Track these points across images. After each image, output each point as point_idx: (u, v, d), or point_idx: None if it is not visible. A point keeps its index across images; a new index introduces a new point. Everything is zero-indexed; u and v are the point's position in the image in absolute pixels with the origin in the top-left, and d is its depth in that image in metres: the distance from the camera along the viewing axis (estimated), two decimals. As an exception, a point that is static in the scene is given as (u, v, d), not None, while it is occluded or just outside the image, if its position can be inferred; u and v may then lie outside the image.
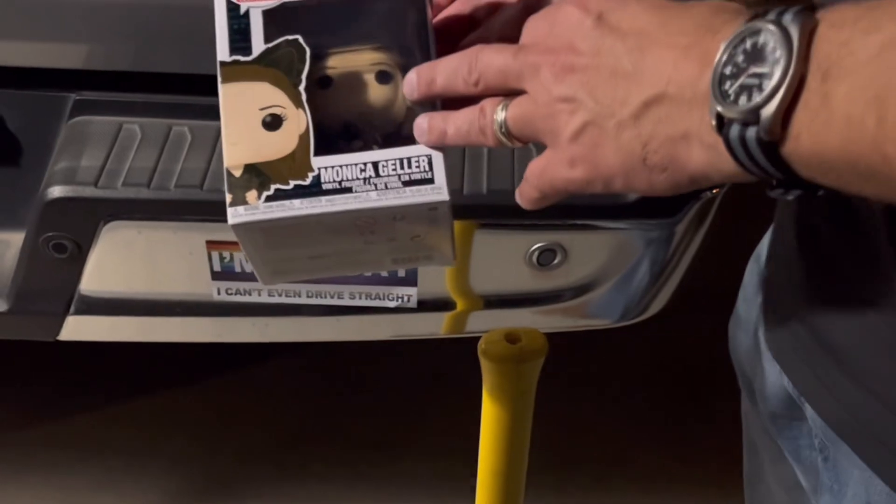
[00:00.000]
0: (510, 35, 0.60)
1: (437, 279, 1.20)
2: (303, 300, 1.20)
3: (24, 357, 1.71)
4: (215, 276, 1.18)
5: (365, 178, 0.55)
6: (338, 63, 0.58)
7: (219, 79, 0.58)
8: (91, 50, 1.18)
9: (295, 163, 0.55)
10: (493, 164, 1.16)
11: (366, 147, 0.56)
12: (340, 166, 0.55)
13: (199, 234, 1.14)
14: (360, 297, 1.20)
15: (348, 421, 1.73)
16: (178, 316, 1.23)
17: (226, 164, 0.56)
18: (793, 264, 0.69)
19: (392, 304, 1.21)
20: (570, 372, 1.72)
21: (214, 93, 1.21)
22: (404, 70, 0.57)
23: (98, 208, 1.12)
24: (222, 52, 0.58)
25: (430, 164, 0.56)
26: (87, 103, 1.19)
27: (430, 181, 0.55)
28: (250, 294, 1.19)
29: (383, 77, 0.58)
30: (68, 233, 1.14)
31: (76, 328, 1.22)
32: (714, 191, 1.17)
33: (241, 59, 0.58)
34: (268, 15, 0.59)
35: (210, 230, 1.13)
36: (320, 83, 0.57)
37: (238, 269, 1.17)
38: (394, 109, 0.57)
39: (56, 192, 1.12)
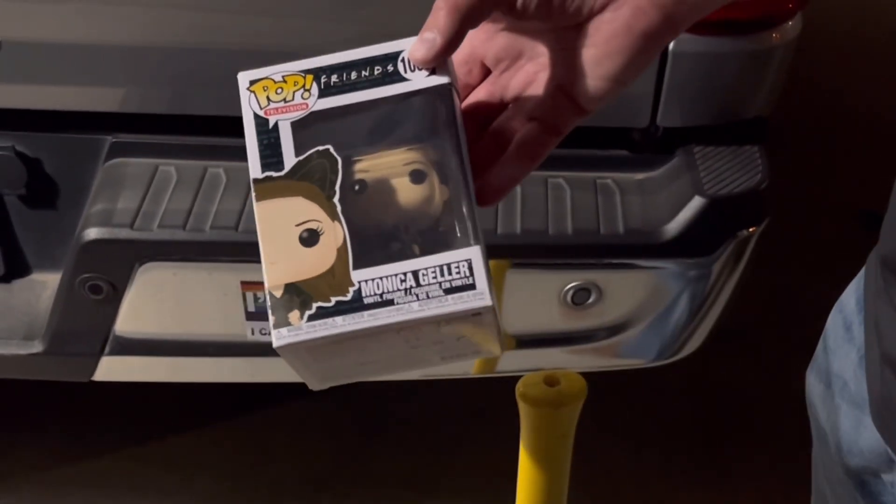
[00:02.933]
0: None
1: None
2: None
3: (55, 396, 1.72)
4: (249, 316, 1.18)
5: (406, 289, 0.55)
6: (370, 167, 0.57)
7: (253, 197, 0.57)
8: (127, 93, 1.19)
9: (335, 278, 0.55)
10: (526, 203, 1.16)
11: (405, 251, 0.56)
12: (380, 278, 0.55)
13: (233, 275, 1.14)
14: (393, 337, 1.20)
15: (379, 460, 1.72)
16: (212, 356, 1.23)
17: (267, 284, 0.55)
18: None
19: (425, 344, 1.20)
20: (606, 412, 1.71)
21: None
22: (438, 167, 0.57)
23: (134, 250, 1.13)
24: (254, 169, 0.58)
25: (470, 269, 0.55)
26: (123, 145, 1.20)
27: (472, 287, 0.54)
28: (284, 334, 1.19)
29: (417, 176, 0.57)
30: (104, 274, 1.14)
31: (110, 369, 1.23)
32: (751, 229, 1.16)
33: (274, 174, 0.57)
34: (297, 126, 0.58)
35: (244, 271, 1.14)
36: (355, 189, 0.57)
37: (272, 310, 1.17)
38: (431, 208, 0.56)
39: (92, 233, 1.13)
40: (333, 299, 0.54)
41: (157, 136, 1.20)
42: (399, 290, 0.55)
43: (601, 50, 0.59)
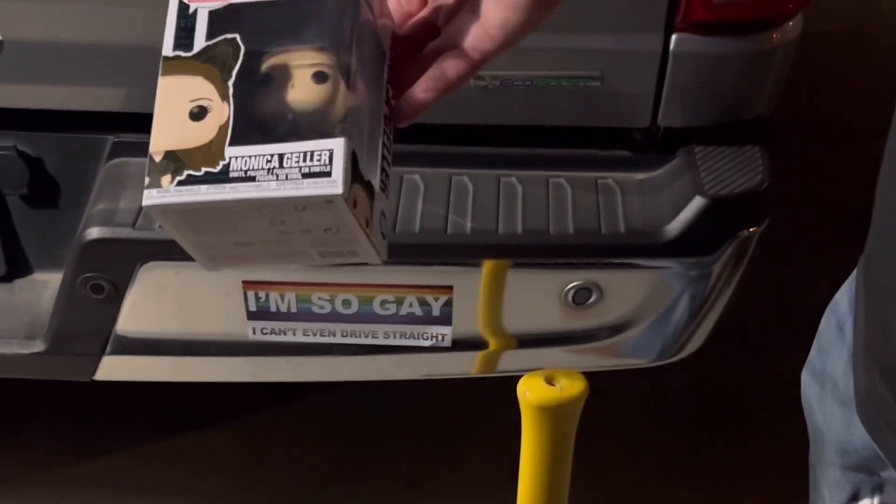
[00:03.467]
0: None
1: (471, 318, 1.19)
2: (337, 339, 1.20)
3: (56, 396, 1.72)
4: (251, 315, 1.18)
5: (269, 169, 0.57)
6: (277, 61, 0.60)
7: (160, 71, 0.61)
8: (128, 93, 1.19)
9: (210, 151, 0.58)
10: (527, 203, 1.16)
11: (281, 136, 0.59)
12: (249, 156, 0.58)
13: (235, 275, 1.14)
14: (394, 337, 1.20)
15: (380, 460, 1.72)
16: (213, 355, 1.23)
17: (150, 149, 0.59)
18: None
19: (426, 344, 1.20)
20: (607, 412, 1.71)
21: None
22: (342, 71, 0.59)
23: (135, 249, 1.13)
24: (167, 47, 0.62)
25: (330, 157, 0.57)
26: (125, 145, 1.20)
27: (328, 174, 0.57)
28: (285, 333, 1.19)
29: (320, 77, 0.59)
30: (106, 273, 1.14)
31: (112, 368, 1.23)
32: (751, 229, 1.16)
33: (182, 54, 0.61)
34: (213, 15, 0.62)
35: (246, 270, 1.14)
36: (258, 80, 0.60)
37: (274, 309, 1.17)
38: (331, 110, 0.59)
39: (94, 233, 1.13)
40: (203, 169, 0.57)
41: (159, 135, 1.20)
42: (263, 168, 0.57)
43: None
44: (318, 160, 0.57)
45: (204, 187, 0.57)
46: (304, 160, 0.58)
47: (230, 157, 0.58)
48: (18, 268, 1.26)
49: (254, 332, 1.19)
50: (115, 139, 1.20)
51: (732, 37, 1.12)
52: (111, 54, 1.15)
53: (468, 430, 1.76)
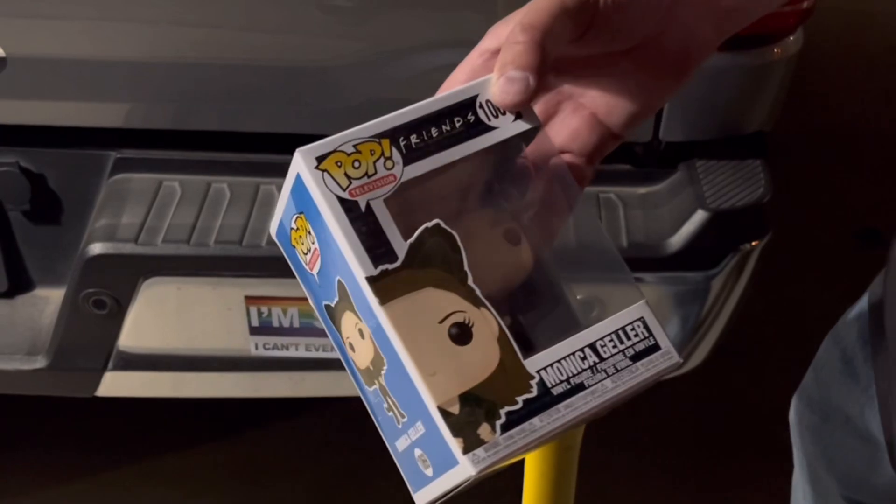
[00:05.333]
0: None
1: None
2: (339, 355, 1.20)
3: (53, 414, 1.72)
4: (253, 331, 1.18)
5: (591, 367, 0.48)
6: (473, 230, 0.49)
7: (373, 302, 0.46)
8: (131, 109, 1.19)
9: (509, 375, 0.47)
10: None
11: (565, 320, 0.50)
12: (559, 362, 0.47)
13: (237, 290, 1.14)
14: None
15: (380, 476, 1.71)
16: (215, 371, 1.23)
17: (435, 403, 0.46)
18: None
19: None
20: (610, 427, 1.71)
21: (252, 150, 1.22)
22: (521, 221, 0.51)
23: (138, 265, 1.13)
24: (364, 265, 0.46)
25: (646, 327, 0.50)
26: (127, 161, 1.20)
27: (657, 347, 0.50)
28: (287, 349, 1.19)
29: (511, 236, 0.51)
30: (108, 289, 1.14)
31: (114, 384, 1.23)
32: (753, 243, 1.16)
33: (389, 267, 0.47)
34: (392, 203, 0.48)
35: (249, 286, 1.14)
36: (485, 264, 0.49)
37: (276, 324, 1.17)
38: (531, 268, 0.51)
39: (96, 248, 1.13)
40: (519, 399, 0.46)
41: (161, 151, 1.20)
42: (584, 370, 0.48)
43: (657, 72, 0.55)
44: (636, 335, 0.50)
45: (536, 420, 0.46)
46: (622, 341, 0.49)
47: (538, 373, 0.47)
48: (20, 284, 1.26)
49: (256, 348, 1.19)
50: (118, 155, 1.21)
51: (734, 51, 1.13)
52: (113, 70, 1.15)
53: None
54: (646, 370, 0.49)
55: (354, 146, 0.49)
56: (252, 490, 1.68)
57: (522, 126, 0.51)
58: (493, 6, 1.07)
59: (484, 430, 0.45)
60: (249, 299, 1.15)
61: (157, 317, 1.18)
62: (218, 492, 1.68)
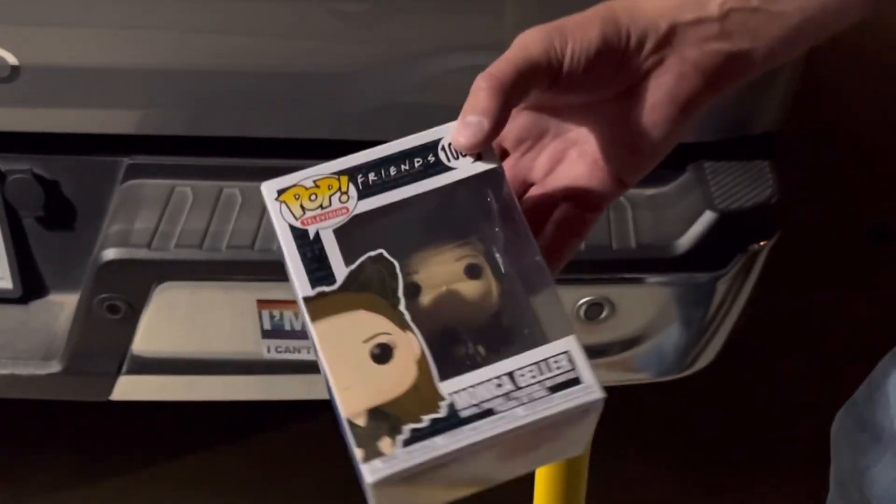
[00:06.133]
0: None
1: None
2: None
3: (67, 418, 1.73)
4: (266, 334, 1.19)
5: (505, 395, 0.49)
6: (422, 266, 0.52)
7: (306, 318, 0.52)
8: (143, 115, 1.20)
9: (421, 395, 0.49)
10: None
11: (491, 354, 0.51)
12: (473, 387, 0.49)
13: (249, 294, 1.15)
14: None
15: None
16: (229, 374, 1.24)
17: (343, 414, 0.50)
18: None
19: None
20: (619, 427, 1.71)
21: (263, 155, 1.22)
22: (489, 258, 0.52)
23: (151, 270, 1.14)
24: (302, 286, 0.52)
25: (570, 360, 0.50)
26: (139, 167, 1.21)
27: (577, 381, 0.50)
28: (300, 352, 1.20)
29: (472, 271, 0.53)
30: (122, 294, 1.15)
31: (128, 388, 1.24)
32: (762, 243, 1.17)
33: (326, 289, 0.52)
34: (340, 233, 0.53)
35: (261, 289, 1.14)
36: (414, 294, 0.52)
37: (288, 328, 1.18)
38: (489, 303, 0.52)
39: (110, 254, 1.14)
40: (426, 418, 0.49)
41: (173, 157, 1.21)
42: (497, 396, 0.49)
43: (645, 120, 0.55)
44: (558, 367, 0.50)
45: (438, 439, 0.48)
46: (541, 372, 0.50)
47: (450, 395, 0.49)
48: (35, 289, 1.27)
49: (268, 351, 1.20)
50: (130, 161, 1.21)
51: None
52: (125, 78, 1.16)
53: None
54: (563, 402, 0.50)
55: (314, 181, 0.54)
56: (267, 489, 1.69)
57: (481, 167, 0.54)
58: (502, 9, 1.08)
59: (384, 444, 0.48)
60: (261, 303, 1.15)
61: (171, 321, 1.18)
62: (231, 492, 1.68)
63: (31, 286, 1.27)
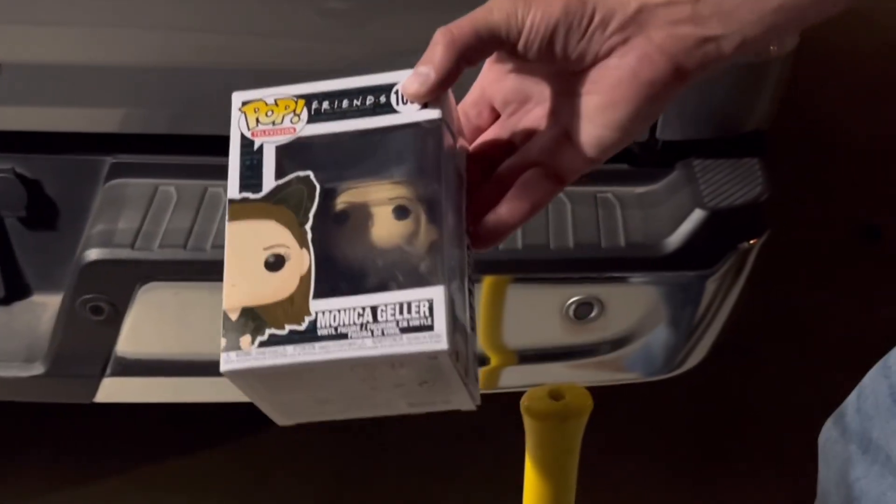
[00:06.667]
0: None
1: (472, 335, 1.19)
2: (338, 358, 1.20)
3: (52, 420, 1.71)
4: (251, 335, 1.18)
5: (362, 324, 0.52)
6: (353, 198, 0.56)
7: (226, 217, 0.56)
8: (127, 113, 1.19)
9: (293, 306, 0.53)
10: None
11: (369, 285, 0.53)
12: (338, 310, 0.53)
13: (234, 294, 1.14)
14: (395, 354, 1.19)
15: (383, 478, 1.71)
16: (214, 376, 1.22)
17: (224, 306, 0.54)
18: None
19: (427, 361, 1.20)
20: (609, 427, 1.70)
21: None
22: (426, 205, 0.55)
23: (135, 270, 1.13)
24: (232, 189, 0.57)
25: (430, 309, 0.52)
26: (123, 166, 1.20)
27: (430, 328, 0.52)
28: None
29: (401, 212, 0.55)
30: (105, 295, 1.14)
31: (112, 390, 1.23)
32: (751, 241, 1.16)
33: (251, 196, 0.56)
34: (281, 150, 0.57)
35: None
36: (335, 219, 0.55)
37: (274, 329, 1.17)
38: (410, 246, 0.54)
39: (93, 254, 1.13)
40: (287, 327, 0.53)
41: (157, 156, 1.20)
42: (355, 324, 0.53)
43: (606, 97, 0.57)
44: (417, 312, 0.52)
45: (290, 348, 0.52)
46: (401, 312, 0.53)
47: (316, 313, 0.53)
48: (17, 290, 1.26)
49: (254, 352, 1.19)
50: (114, 160, 1.20)
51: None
52: (108, 75, 1.15)
53: (470, 446, 1.76)
54: (409, 344, 0.52)
55: (275, 100, 0.59)
56: (255, 494, 1.68)
57: (424, 116, 0.57)
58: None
59: (245, 340, 0.53)
60: (247, 303, 1.14)
61: (155, 322, 1.17)
62: (220, 495, 1.67)
63: (13, 287, 1.26)
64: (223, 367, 0.54)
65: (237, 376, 0.54)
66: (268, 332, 0.53)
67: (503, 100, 0.62)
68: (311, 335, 0.53)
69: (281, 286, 0.54)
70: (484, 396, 1.40)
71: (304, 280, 0.54)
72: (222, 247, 1.11)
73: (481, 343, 1.20)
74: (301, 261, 0.54)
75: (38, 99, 1.17)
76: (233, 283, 0.55)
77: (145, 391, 1.25)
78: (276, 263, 0.54)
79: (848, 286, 2.03)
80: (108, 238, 1.14)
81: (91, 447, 1.73)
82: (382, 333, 0.52)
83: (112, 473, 1.68)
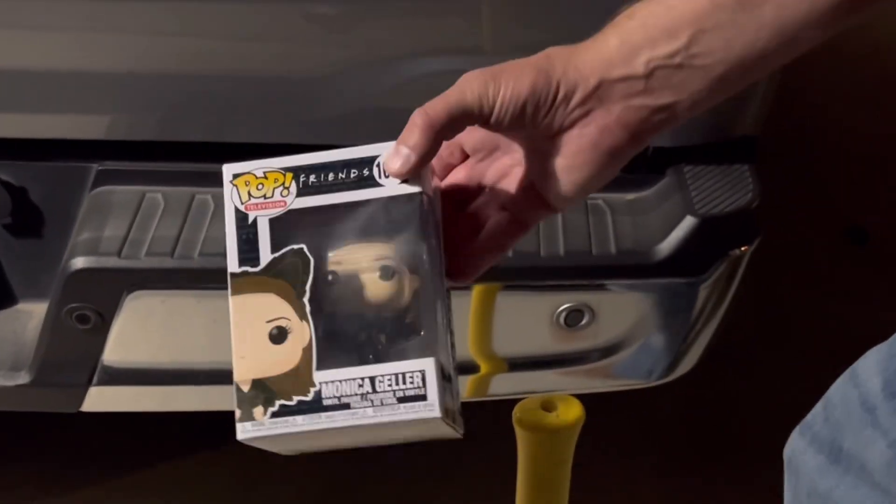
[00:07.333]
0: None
1: (462, 343, 1.18)
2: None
3: (39, 428, 1.70)
4: (239, 343, 1.17)
5: (362, 395, 0.58)
6: (343, 267, 0.60)
7: (229, 290, 0.61)
8: (113, 120, 1.18)
9: (298, 378, 0.58)
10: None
11: (367, 356, 0.58)
12: (340, 381, 0.58)
13: (222, 302, 1.13)
14: (385, 362, 1.19)
15: (372, 484, 1.70)
16: (202, 384, 1.21)
17: (235, 378, 0.59)
18: None
19: (417, 368, 1.19)
20: (601, 434, 1.70)
21: (236, 161, 1.21)
22: (408, 264, 0.59)
23: (121, 278, 1.12)
24: (232, 263, 0.62)
25: (423, 379, 0.57)
26: (109, 173, 1.19)
27: (423, 398, 0.57)
28: (275, 361, 1.18)
29: (386, 272, 0.59)
30: (91, 303, 1.13)
31: (99, 399, 1.21)
32: (743, 248, 1.16)
33: (250, 270, 0.61)
34: (275, 223, 0.61)
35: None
36: (329, 290, 0.59)
37: (262, 337, 1.16)
38: (398, 307, 0.59)
39: (79, 262, 1.12)
40: (295, 398, 0.58)
41: (144, 163, 1.19)
42: (356, 394, 0.58)
43: (570, 161, 0.63)
44: (412, 383, 0.58)
45: (300, 418, 0.58)
46: (397, 383, 0.58)
47: (320, 384, 0.58)
48: (2, 299, 1.25)
49: (243, 360, 1.18)
50: (100, 167, 1.19)
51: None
52: (94, 82, 1.14)
53: (460, 453, 1.75)
54: (406, 412, 0.58)
55: (264, 172, 0.62)
56: (245, 499, 1.68)
57: (406, 189, 0.61)
58: (478, 14, 1.07)
59: (258, 411, 0.58)
60: (235, 312, 1.13)
61: (142, 331, 1.16)
62: (212, 499, 1.67)
63: (-2, 295, 1.25)
64: (240, 436, 0.59)
65: (255, 442, 0.60)
66: (278, 403, 0.58)
67: (473, 147, 0.68)
68: (317, 405, 0.58)
69: (285, 358, 0.58)
70: (476, 402, 1.39)
71: (307, 351, 0.58)
72: (210, 255, 1.12)
73: (472, 351, 1.19)
74: (302, 333, 0.59)
75: (23, 105, 1.16)
76: (241, 355, 0.60)
77: (132, 400, 1.24)
78: (279, 336, 0.59)
79: (837, 288, 2.04)
80: (94, 246, 1.13)
81: (76, 457, 1.72)
82: (381, 403, 0.58)
83: (99, 481, 1.67)
